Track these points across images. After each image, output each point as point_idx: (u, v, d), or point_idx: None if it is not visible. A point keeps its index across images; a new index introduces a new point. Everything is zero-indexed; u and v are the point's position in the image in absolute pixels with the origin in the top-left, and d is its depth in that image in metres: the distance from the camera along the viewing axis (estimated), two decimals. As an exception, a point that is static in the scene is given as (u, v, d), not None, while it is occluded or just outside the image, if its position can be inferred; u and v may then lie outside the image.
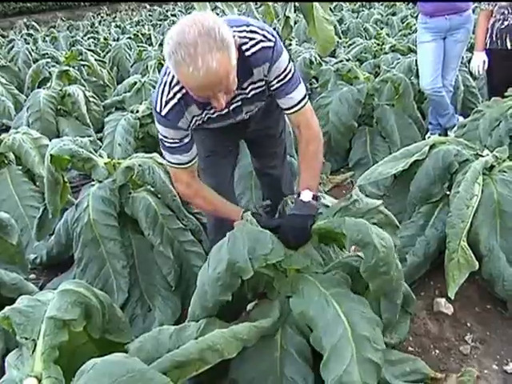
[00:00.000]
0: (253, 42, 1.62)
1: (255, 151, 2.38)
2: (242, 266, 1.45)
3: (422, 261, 2.34)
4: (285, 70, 1.72)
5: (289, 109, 1.80)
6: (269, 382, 1.51)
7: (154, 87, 4.54)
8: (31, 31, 13.43)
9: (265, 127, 2.17)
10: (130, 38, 8.45)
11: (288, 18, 3.86)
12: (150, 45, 8.03)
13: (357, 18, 9.98)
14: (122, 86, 5.19)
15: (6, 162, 3.28)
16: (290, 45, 5.97)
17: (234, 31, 1.54)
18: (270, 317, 1.55)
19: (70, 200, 2.83)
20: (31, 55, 7.03)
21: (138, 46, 7.30)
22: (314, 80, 4.94)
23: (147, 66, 5.54)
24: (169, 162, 1.83)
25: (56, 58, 6.64)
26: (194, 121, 1.74)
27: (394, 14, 9.96)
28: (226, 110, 1.76)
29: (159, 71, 4.97)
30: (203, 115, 1.75)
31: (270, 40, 1.64)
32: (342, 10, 12.11)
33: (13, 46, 10.03)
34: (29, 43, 10.19)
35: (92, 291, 1.41)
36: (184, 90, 1.62)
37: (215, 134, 2.02)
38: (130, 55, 6.87)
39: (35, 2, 20.97)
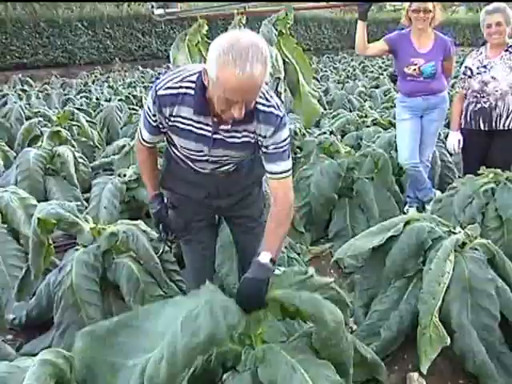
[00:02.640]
0: (268, 103, 1.81)
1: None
2: (223, 337, 1.46)
3: (396, 335, 2.39)
4: (283, 140, 1.86)
5: (274, 173, 1.90)
6: None
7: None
8: (25, 86, 13.71)
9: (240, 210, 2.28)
10: (121, 99, 8.68)
11: (280, 93, 4.06)
12: (140, 107, 8.25)
13: (342, 89, 10.39)
14: (110, 148, 5.31)
15: (-9, 220, 3.32)
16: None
17: None
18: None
19: (53, 261, 2.86)
20: (24, 112, 7.18)
21: (130, 109, 7.50)
22: (298, 150, 5.11)
23: (136, 130, 5.68)
24: (139, 131, 2.06)
25: (48, 116, 6.79)
26: (177, 120, 1.84)
27: (377, 87, 10.39)
28: (210, 134, 1.85)
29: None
30: (188, 122, 1.83)
31: (280, 111, 1.84)
32: (328, 80, 12.60)
33: (6, 101, 10.23)
34: (22, 99, 10.38)
35: (69, 363, 1.45)
36: (190, 91, 1.77)
37: (189, 202, 2.18)
38: (120, 117, 7.06)
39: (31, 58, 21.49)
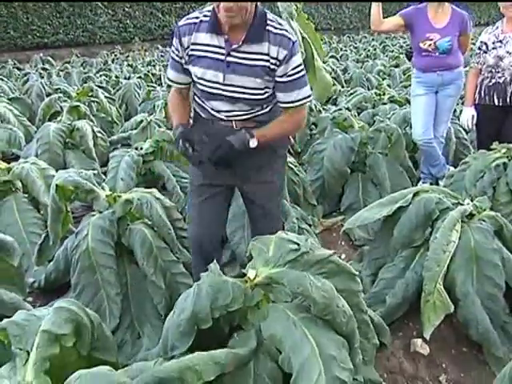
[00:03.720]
0: (279, 26, 1.90)
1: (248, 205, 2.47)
2: (203, 317, 1.57)
3: (401, 302, 2.45)
4: (298, 66, 1.93)
5: (290, 102, 2.01)
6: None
7: (160, 126, 4.74)
8: (46, 65, 13.86)
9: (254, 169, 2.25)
10: (140, 77, 8.75)
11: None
12: (159, 85, 8.31)
13: (361, 68, 10.30)
14: (129, 124, 5.39)
15: (13, 189, 3.43)
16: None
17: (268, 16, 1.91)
18: (246, 346, 1.65)
19: (71, 229, 2.96)
20: (44, 89, 7.30)
21: (148, 86, 7.57)
22: (313, 126, 5.14)
23: (154, 106, 5.76)
24: (167, 73, 2.22)
25: (68, 93, 6.89)
26: (194, 48, 1.98)
27: (396, 66, 10.28)
28: (223, 57, 1.94)
29: (166, 111, 5.19)
30: (204, 48, 1.96)
31: (292, 35, 1.91)
32: (348, 59, 12.49)
33: (28, 79, 10.38)
34: (43, 77, 10.51)
35: (84, 311, 1.54)
36: (206, 18, 1.93)
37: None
38: (139, 94, 7.13)
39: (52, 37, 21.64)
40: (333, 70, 8.95)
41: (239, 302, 1.63)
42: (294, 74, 1.94)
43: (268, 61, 1.92)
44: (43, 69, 12.46)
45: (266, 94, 2.03)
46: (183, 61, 2.05)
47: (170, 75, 2.16)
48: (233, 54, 1.93)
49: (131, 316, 2.45)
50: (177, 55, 2.05)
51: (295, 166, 3.56)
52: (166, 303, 2.42)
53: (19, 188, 3.47)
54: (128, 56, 16.95)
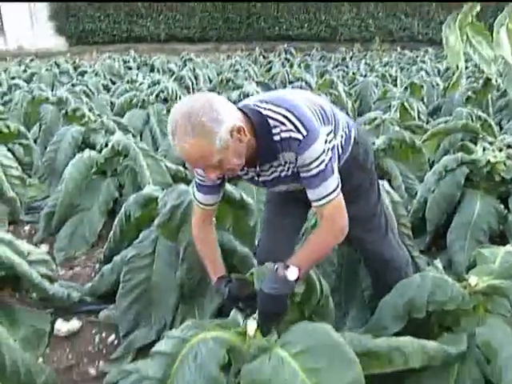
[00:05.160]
0: (283, 128, 1.61)
1: None
2: (419, 307, 1.67)
3: None
4: (310, 164, 1.62)
5: (314, 201, 1.69)
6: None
7: (393, 124, 4.76)
8: (288, 56, 14.82)
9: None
10: (377, 76, 8.83)
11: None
12: (395, 85, 8.28)
13: None
14: (362, 119, 5.52)
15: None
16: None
17: (270, 110, 1.63)
18: (456, 347, 1.62)
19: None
20: (288, 76, 7.83)
21: (384, 86, 7.60)
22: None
23: (390, 105, 5.79)
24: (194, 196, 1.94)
25: (309, 83, 7.30)
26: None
27: None
28: (252, 178, 1.84)
29: (400, 112, 5.18)
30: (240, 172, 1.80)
31: (300, 132, 1.59)
32: None
33: (271, 67, 11.23)
34: (285, 66, 11.29)
35: (319, 279, 1.74)
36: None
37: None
38: (374, 92, 7.22)
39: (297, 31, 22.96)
40: None
41: (455, 303, 1.66)
42: (308, 171, 1.64)
43: (282, 169, 1.75)
44: (286, 59, 13.34)
45: None
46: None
47: (198, 196, 1.92)
48: (260, 174, 1.80)
49: (340, 295, 2.57)
50: (199, 179, 1.86)
51: None
52: (371, 292, 2.47)
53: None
54: (366, 55, 17.15)
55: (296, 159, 1.63)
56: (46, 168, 4.52)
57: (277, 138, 1.62)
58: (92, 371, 2.31)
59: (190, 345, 1.45)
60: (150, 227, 2.63)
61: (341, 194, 1.67)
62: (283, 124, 1.60)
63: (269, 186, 1.89)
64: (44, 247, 3.42)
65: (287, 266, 1.60)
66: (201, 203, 1.88)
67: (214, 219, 1.98)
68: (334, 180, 1.65)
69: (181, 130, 1.48)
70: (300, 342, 1.38)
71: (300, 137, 1.58)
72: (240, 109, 1.65)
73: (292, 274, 1.59)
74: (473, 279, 1.70)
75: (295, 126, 1.59)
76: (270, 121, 1.62)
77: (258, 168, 1.75)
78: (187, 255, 2.36)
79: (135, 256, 2.57)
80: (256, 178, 1.82)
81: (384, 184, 2.75)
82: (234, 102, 1.67)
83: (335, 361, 1.34)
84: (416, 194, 3.52)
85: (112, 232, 2.94)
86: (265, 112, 1.63)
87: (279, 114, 1.62)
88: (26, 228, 3.78)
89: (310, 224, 2.50)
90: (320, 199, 1.65)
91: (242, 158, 1.61)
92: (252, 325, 1.50)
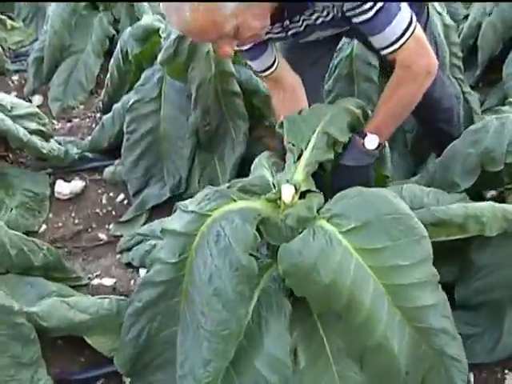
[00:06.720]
0: None
1: None
2: (496, 157, 1.38)
3: None
4: (363, 3, 1.19)
5: (382, 49, 1.30)
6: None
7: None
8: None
9: None
10: None
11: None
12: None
13: None
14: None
15: None
16: None
17: None
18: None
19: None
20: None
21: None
22: None
23: None
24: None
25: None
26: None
27: None
28: (277, 35, 1.43)
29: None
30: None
31: None
32: None
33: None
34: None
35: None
36: None
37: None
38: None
39: None
40: None
41: None
42: (366, 10, 1.19)
43: (328, 13, 1.31)
44: None
45: None
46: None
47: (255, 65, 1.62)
48: (290, 28, 1.40)
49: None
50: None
51: None
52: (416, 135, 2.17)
53: None
54: None
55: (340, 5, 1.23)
56: (30, 7, 4.02)
57: None
58: (103, 235, 2.09)
59: (209, 222, 1.10)
60: (152, 66, 2.32)
61: (418, 26, 1.26)
62: None
63: (301, 37, 1.47)
64: (37, 99, 3.11)
65: (365, 135, 1.37)
66: (261, 72, 1.58)
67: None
68: (404, 14, 1.22)
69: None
70: (353, 215, 1.07)
71: None
72: None
73: (371, 142, 1.37)
74: None
75: None
76: None
77: (286, 22, 1.37)
78: (200, 96, 2.07)
79: (138, 101, 2.27)
80: (283, 34, 1.43)
81: (435, 5, 2.25)
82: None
83: (401, 239, 1.04)
84: (464, 18, 2.91)
85: (109, 74, 2.61)
86: None
87: None
88: (15, 78, 3.39)
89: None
90: (388, 46, 1.26)
91: (265, 18, 1.22)
92: (289, 189, 1.14)
